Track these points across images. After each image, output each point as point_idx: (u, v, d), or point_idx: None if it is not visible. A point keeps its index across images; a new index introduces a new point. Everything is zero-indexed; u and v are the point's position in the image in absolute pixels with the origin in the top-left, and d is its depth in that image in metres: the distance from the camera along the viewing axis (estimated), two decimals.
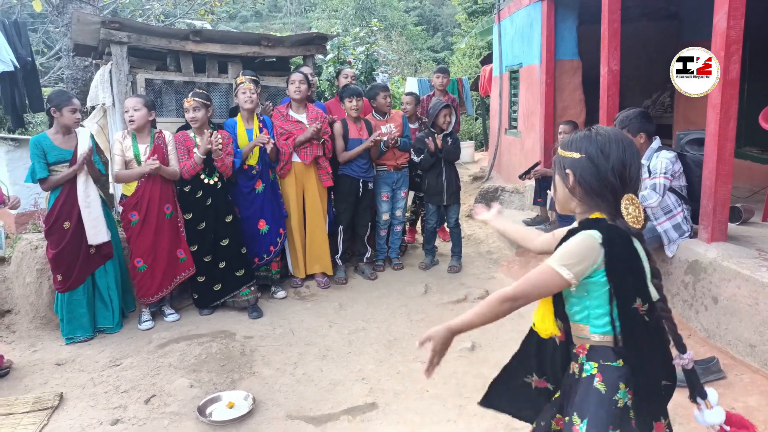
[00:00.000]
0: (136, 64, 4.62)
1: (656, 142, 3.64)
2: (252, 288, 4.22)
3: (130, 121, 3.80)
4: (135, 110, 3.79)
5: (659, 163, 3.51)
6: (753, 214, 4.35)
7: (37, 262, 3.97)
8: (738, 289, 3.10)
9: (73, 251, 3.70)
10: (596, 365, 1.49)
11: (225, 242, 4.13)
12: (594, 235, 1.41)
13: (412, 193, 5.72)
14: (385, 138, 4.73)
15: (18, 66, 5.95)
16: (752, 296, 2.99)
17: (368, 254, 5.05)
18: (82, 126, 3.95)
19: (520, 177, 5.47)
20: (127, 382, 3.18)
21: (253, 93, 4.16)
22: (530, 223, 5.68)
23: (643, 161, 3.63)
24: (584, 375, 1.51)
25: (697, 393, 1.53)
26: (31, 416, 2.79)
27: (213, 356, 3.46)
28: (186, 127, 4.14)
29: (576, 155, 1.47)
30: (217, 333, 3.84)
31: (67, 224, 3.69)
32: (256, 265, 4.37)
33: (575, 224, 1.52)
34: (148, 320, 3.97)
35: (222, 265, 4.14)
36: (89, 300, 3.78)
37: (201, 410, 2.82)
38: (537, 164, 5.62)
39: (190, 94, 3.96)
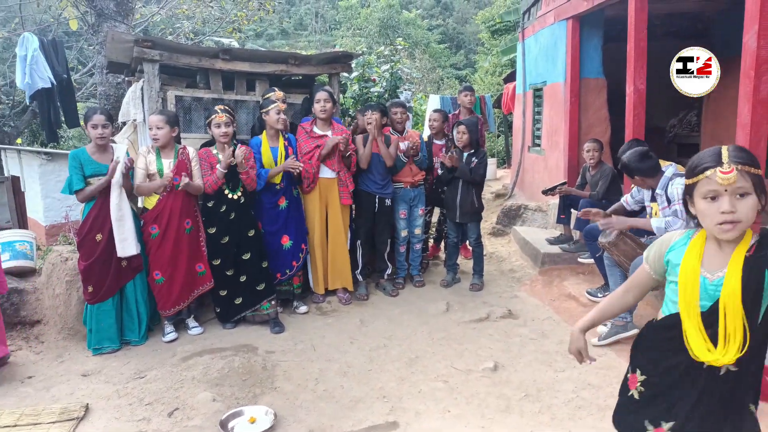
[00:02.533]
0: (167, 81, 4.74)
1: (670, 170, 3.60)
2: (273, 302, 4.25)
3: (154, 138, 3.90)
4: (158, 128, 3.88)
5: (675, 190, 3.48)
6: None
7: (67, 273, 4.06)
8: None
9: (105, 264, 3.78)
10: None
11: (247, 256, 4.18)
12: (664, 239, 1.64)
13: (437, 210, 5.72)
14: (403, 148, 4.76)
15: (55, 82, 6.15)
16: None
17: (389, 271, 5.05)
18: (113, 141, 4.06)
19: (544, 192, 5.43)
20: (151, 394, 3.21)
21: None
22: (554, 241, 5.63)
23: (659, 191, 3.62)
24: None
25: None
26: (58, 426, 2.83)
27: (235, 370, 3.48)
28: (209, 143, 4.22)
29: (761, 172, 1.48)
30: (240, 347, 3.87)
31: (99, 237, 3.77)
32: (278, 281, 4.41)
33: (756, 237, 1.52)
34: (172, 332, 4.02)
35: (243, 278, 4.18)
36: (117, 312, 3.85)
37: (223, 424, 2.83)
38: (564, 183, 5.57)
39: (218, 109, 4.03)
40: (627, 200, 4.03)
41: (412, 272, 5.22)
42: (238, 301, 4.19)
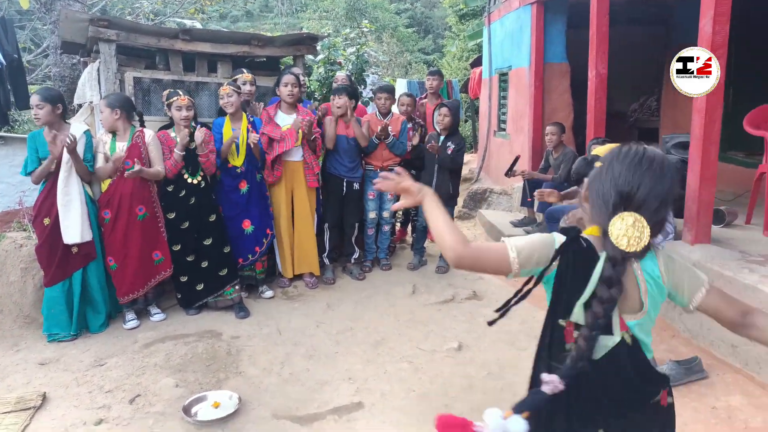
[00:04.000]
0: (125, 63, 4.59)
1: None
2: (236, 287, 4.20)
3: (101, 122, 3.81)
4: (100, 112, 3.81)
5: None
6: (736, 216, 4.41)
7: (22, 260, 3.94)
8: None
9: (52, 248, 3.67)
10: None
11: (208, 241, 4.11)
12: (555, 237, 1.36)
13: None
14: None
15: (4, 63, 5.89)
16: (735, 297, 3.02)
17: (356, 255, 5.05)
18: (68, 123, 3.92)
19: (506, 175, 5.49)
20: (112, 381, 3.15)
21: (231, 96, 4.11)
22: (518, 224, 5.71)
23: None
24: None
25: None
26: (13, 416, 2.76)
27: (199, 356, 3.45)
28: (167, 126, 4.12)
29: (598, 164, 1.41)
30: (204, 333, 3.82)
31: (47, 221, 3.67)
32: (240, 265, 4.36)
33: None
34: (133, 320, 3.93)
35: (204, 264, 4.12)
36: (68, 299, 3.74)
37: (186, 410, 2.80)
38: (518, 158, 5.63)
39: (180, 92, 3.94)
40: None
41: (380, 255, 5.23)
42: (200, 287, 4.13)
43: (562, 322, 1.36)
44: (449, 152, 4.80)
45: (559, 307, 1.36)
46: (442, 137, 4.87)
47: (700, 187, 3.47)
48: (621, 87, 7.92)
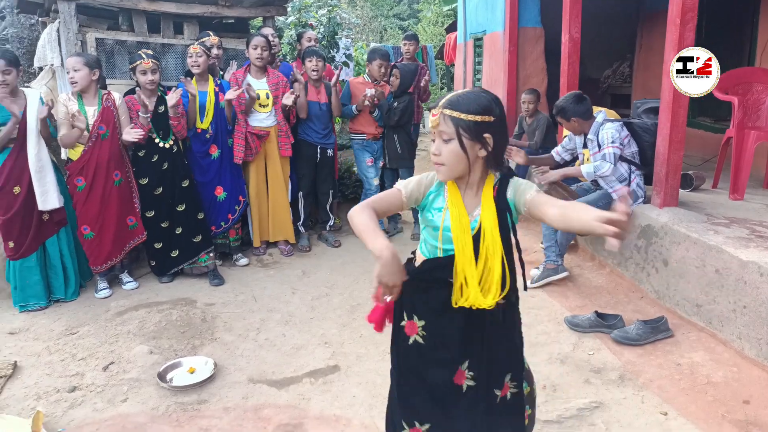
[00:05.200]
0: (86, 23, 4.40)
1: (600, 116, 3.73)
2: (211, 254, 4.16)
3: (72, 82, 3.63)
4: (75, 70, 3.60)
5: (605, 134, 3.61)
6: (704, 181, 4.51)
7: None
8: (687, 252, 3.23)
9: (26, 217, 3.56)
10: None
11: (182, 207, 4.05)
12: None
13: None
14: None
15: None
16: (700, 258, 3.12)
17: (331, 222, 5.03)
18: (27, 86, 3.76)
19: None
20: (84, 350, 3.12)
21: (200, 56, 4.01)
22: None
23: (591, 136, 3.74)
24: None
25: None
26: None
27: (173, 323, 3.43)
28: (133, 91, 3.99)
29: (488, 118, 1.49)
30: (178, 300, 3.79)
31: (17, 189, 3.54)
32: (213, 233, 4.30)
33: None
34: (105, 288, 3.87)
35: (179, 230, 4.06)
36: (42, 268, 3.66)
37: (161, 376, 2.80)
38: None
39: (143, 54, 3.80)
40: (557, 150, 4.11)
41: None
42: (175, 253, 4.07)
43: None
44: (395, 106, 4.81)
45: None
46: (391, 98, 4.86)
47: (669, 151, 3.52)
48: (595, 54, 7.93)
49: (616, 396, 2.60)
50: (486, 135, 1.50)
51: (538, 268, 3.96)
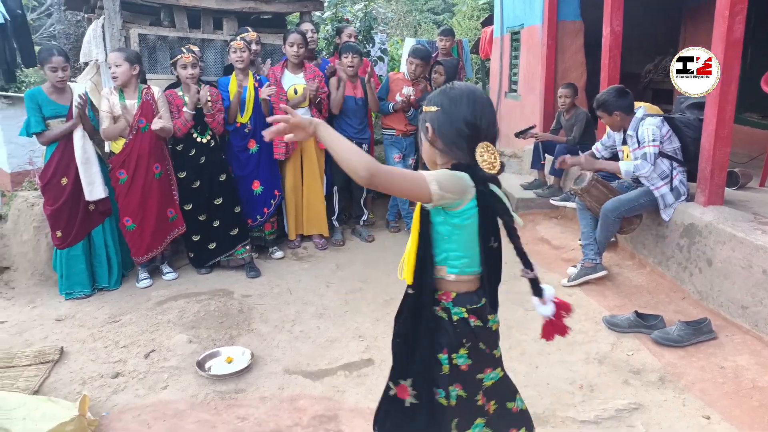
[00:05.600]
0: (129, 19, 4.51)
1: (640, 111, 3.65)
2: (247, 247, 4.23)
3: (113, 77, 3.72)
4: (116, 66, 3.69)
5: (646, 131, 3.52)
6: (751, 179, 4.36)
7: (34, 219, 3.97)
8: (732, 252, 3.12)
9: (73, 208, 3.69)
10: (464, 309, 1.57)
11: (219, 201, 4.12)
12: (463, 175, 1.48)
13: None
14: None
15: (9, 19, 5.81)
16: (746, 258, 3.02)
17: (365, 217, 5.05)
18: (73, 81, 3.88)
19: (516, 135, 5.42)
20: (127, 337, 3.21)
21: (244, 51, 4.07)
22: (528, 186, 5.67)
23: (630, 132, 3.65)
24: (456, 318, 1.58)
25: (537, 293, 1.69)
26: (33, 369, 2.83)
27: (211, 313, 3.50)
28: (174, 85, 4.07)
29: (434, 109, 1.55)
30: (216, 291, 3.87)
31: (64, 180, 3.67)
32: (249, 226, 4.37)
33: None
34: (146, 278, 3.99)
35: (216, 224, 4.14)
36: (87, 257, 3.79)
37: (200, 365, 2.86)
38: (533, 126, 5.55)
39: (184, 49, 3.87)
40: (597, 147, 4.04)
41: (388, 218, 5.24)
42: (212, 246, 4.16)
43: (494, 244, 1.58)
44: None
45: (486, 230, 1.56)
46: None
47: (714, 148, 3.41)
48: (636, 48, 7.72)
49: (656, 398, 2.55)
50: (426, 124, 1.56)
51: (575, 266, 3.89)
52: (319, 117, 4.51)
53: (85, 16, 5.35)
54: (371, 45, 6.57)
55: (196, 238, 4.15)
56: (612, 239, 4.21)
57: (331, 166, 4.81)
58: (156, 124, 3.74)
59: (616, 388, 2.64)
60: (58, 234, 3.70)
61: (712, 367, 2.76)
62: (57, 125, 3.62)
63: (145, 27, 4.54)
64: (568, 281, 3.79)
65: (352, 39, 5.21)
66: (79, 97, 3.61)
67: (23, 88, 8.90)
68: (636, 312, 3.17)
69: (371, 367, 2.90)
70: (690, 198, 3.69)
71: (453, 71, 4.83)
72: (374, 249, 4.75)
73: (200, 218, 4.12)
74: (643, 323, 3.11)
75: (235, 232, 4.18)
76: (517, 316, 3.41)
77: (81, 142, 3.63)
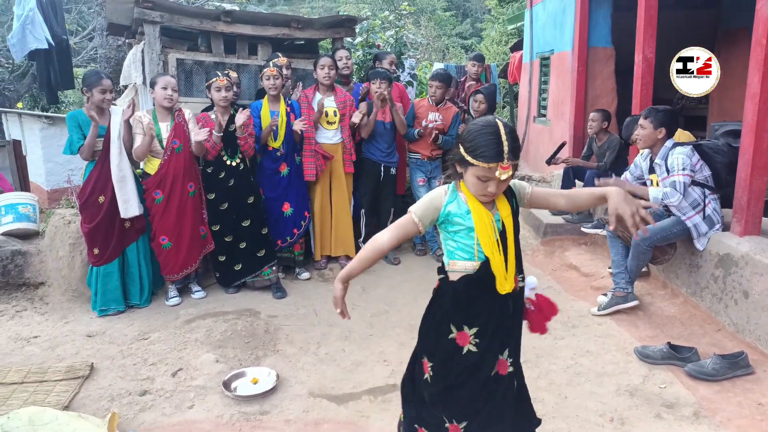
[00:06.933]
0: (168, 44, 4.68)
1: (670, 141, 3.60)
2: (274, 268, 4.27)
3: (168, 98, 3.83)
4: (174, 90, 3.84)
5: (675, 159, 3.47)
6: None
7: (70, 236, 4.08)
8: None
9: (109, 225, 3.79)
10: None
11: (246, 223, 4.18)
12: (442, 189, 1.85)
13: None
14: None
15: (53, 44, 6.07)
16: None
17: None
18: (114, 104, 4.02)
19: (548, 162, 5.39)
20: (155, 355, 3.26)
21: (277, 78, 4.16)
22: (556, 212, 5.61)
23: (659, 161, 3.61)
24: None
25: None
26: (64, 384, 2.88)
27: (238, 333, 3.53)
28: (208, 108, 4.18)
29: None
30: (242, 311, 3.90)
31: (101, 198, 3.77)
32: (279, 247, 4.42)
33: None
34: (175, 296, 4.05)
35: (243, 245, 4.19)
36: (120, 274, 3.88)
37: (226, 385, 2.88)
38: (563, 144, 5.50)
39: (219, 73, 3.98)
40: (626, 177, 3.99)
41: (415, 240, 5.24)
42: (238, 267, 4.21)
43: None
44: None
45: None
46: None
47: (751, 177, 3.33)
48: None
49: None
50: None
51: (605, 294, 3.82)
52: (350, 140, 4.60)
53: (126, 41, 5.56)
54: (401, 70, 6.65)
55: (222, 258, 4.21)
56: (644, 269, 4.13)
57: (359, 189, 4.86)
58: (199, 136, 3.81)
59: (648, 422, 2.56)
60: (95, 251, 3.80)
61: (750, 404, 2.66)
62: (97, 145, 3.74)
63: (183, 52, 4.69)
64: (599, 310, 3.71)
65: (393, 66, 5.27)
66: (130, 104, 3.75)
67: (63, 109, 9.24)
68: (669, 343, 3.08)
69: (396, 393, 2.86)
70: (725, 227, 3.61)
71: (492, 98, 4.85)
72: (400, 272, 4.75)
73: (226, 239, 4.18)
74: (677, 355, 3.02)
75: (261, 253, 4.22)
76: (544, 344, 3.35)
77: (117, 160, 3.74)
